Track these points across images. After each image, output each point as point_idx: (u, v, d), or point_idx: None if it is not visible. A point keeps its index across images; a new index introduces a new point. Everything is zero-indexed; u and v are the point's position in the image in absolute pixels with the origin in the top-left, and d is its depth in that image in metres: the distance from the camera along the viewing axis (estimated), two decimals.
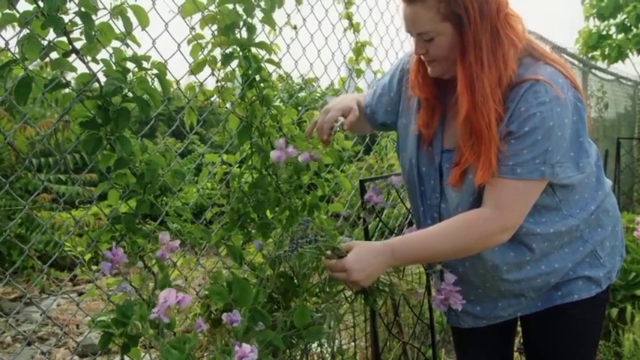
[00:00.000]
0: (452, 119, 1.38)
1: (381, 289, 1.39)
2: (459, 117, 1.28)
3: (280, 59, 1.86)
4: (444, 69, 1.33)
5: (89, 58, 1.35)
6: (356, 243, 1.30)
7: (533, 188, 1.28)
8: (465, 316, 1.51)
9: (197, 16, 1.60)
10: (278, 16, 1.75)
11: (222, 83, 1.72)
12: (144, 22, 1.41)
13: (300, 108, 2.07)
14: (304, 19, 2.04)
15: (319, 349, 2.04)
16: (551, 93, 1.22)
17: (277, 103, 2.00)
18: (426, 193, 1.45)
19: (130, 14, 1.38)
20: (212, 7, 1.61)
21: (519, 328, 1.62)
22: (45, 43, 1.27)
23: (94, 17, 1.31)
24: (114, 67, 1.36)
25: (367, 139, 2.68)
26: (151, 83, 1.42)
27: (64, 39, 1.30)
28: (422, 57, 1.35)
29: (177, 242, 1.26)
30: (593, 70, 6.23)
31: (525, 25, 1.30)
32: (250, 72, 1.67)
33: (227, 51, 1.65)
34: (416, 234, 1.36)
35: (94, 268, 3.57)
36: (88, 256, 1.63)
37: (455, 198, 1.36)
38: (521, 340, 1.64)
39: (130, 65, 1.39)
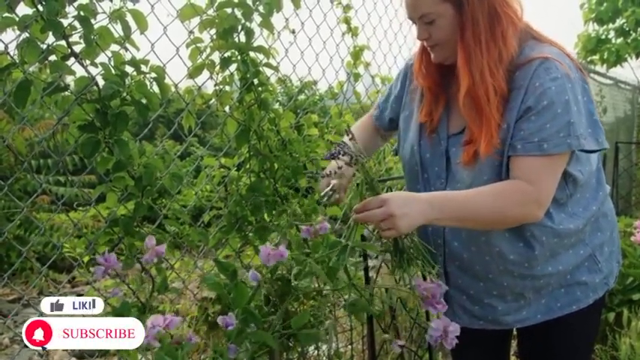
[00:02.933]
0: (456, 105, 1.39)
1: (415, 256, 1.29)
2: (460, 93, 1.30)
3: (278, 63, 1.86)
4: (446, 53, 1.35)
5: (88, 62, 1.36)
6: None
7: (560, 161, 1.30)
8: (461, 312, 1.49)
9: (196, 20, 1.61)
10: (276, 20, 1.77)
11: (221, 87, 1.73)
12: (143, 26, 1.42)
13: (298, 111, 2.08)
14: (302, 23, 2.05)
15: (316, 352, 2.05)
16: (561, 70, 1.26)
17: (276, 106, 2.00)
18: (429, 180, 1.45)
19: (129, 18, 1.39)
20: (210, 11, 1.62)
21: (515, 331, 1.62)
22: (44, 46, 1.28)
23: (93, 21, 1.32)
24: (113, 71, 1.37)
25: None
26: (149, 87, 1.43)
27: (63, 43, 1.31)
28: (425, 43, 1.38)
29: (164, 246, 1.25)
30: (592, 75, 6.23)
31: (523, 5, 1.33)
32: (248, 76, 1.68)
33: (225, 55, 1.65)
34: (455, 192, 1.34)
35: (92, 269, 3.57)
36: (86, 258, 1.63)
37: (467, 178, 1.35)
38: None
39: (129, 69, 1.40)
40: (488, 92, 1.27)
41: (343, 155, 1.22)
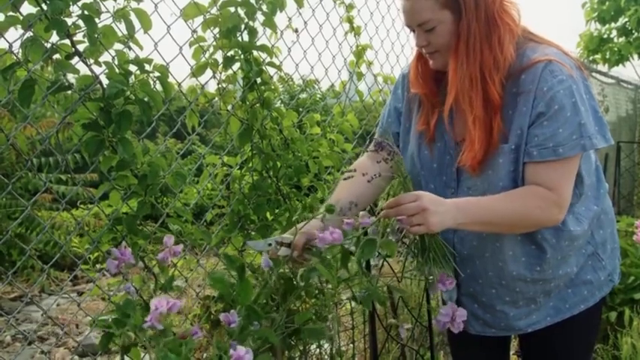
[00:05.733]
0: (458, 112, 1.39)
1: (440, 257, 1.28)
2: (447, 102, 1.31)
3: (281, 62, 1.87)
4: (446, 60, 1.34)
5: (92, 61, 1.36)
6: None
7: (575, 163, 1.31)
8: (473, 320, 1.49)
9: (199, 19, 1.61)
10: (279, 19, 1.77)
11: (224, 85, 1.73)
12: (146, 25, 1.42)
13: (300, 110, 2.08)
14: (305, 23, 2.05)
15: (318, 350, 2.05)
16: (564, 71, 1.27)
17: (278, 104, 2.01)
18: (436, 190, 1.42)
19: (133, 17, 1.39)
20: (214, 10, 1.62)
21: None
22: (48, 45, 1.28)
23: (96, 20, 1.32)
24: (116, 70, 1.37)
25: (367, 141, 2.69)
26: (152, 86, 1.43)
27: (67, 41, 1.31)
28: (423, 50, 1.37)
29: (180, 246, 1.26)
30: (594, 74, 6.23)
31: (520, 11, 1.34)
32: (251, 75, 1.68)
33: (228, 54, 1.66)
34: (478, 197, 1.34)
35: (98, 266, 3.58)
36: (94, 255, 1.64)
37: (480, 186, 1.35)
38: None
39: (133, 68, 1.40)
40: (474, 103, 1.28)
41: (382, 150, 1.22)
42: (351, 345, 2.39)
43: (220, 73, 1.70)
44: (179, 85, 1.62)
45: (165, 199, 1.62)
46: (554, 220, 1.31)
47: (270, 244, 1.32)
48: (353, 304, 2.12)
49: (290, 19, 1.96)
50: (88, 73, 1.37)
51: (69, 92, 1.38)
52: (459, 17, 1.27)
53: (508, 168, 1.31)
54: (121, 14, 1.37)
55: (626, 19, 7.79)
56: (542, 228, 1.34)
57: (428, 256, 1.27)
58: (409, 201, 1.20)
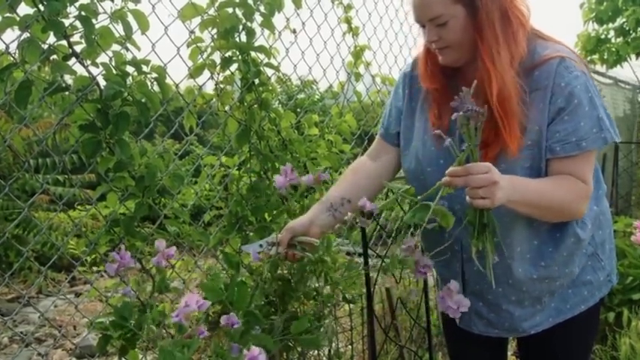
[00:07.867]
0: None
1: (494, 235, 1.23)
2: (493, 94, 1.26)
3: (279, 63, 1.86)
4: (457, 55, 1.33)
5: (89, 62, 1.36)
6: None
7: (594, 157, 1.33)
8: (477, 319, 1.48)
9: (197, 20, 1.61)
10: (277, 20, 1.77)
11: (222, 86, 1.73)
12: (144, 26, 1.42)
13: (298, 111, 2.08)
14: (303, 23, 2.05)
15: (316, 352, 2.05)
16: (577, 68, 1.28)
17: (276, 105, 2.01)
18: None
19: (130, 18, 1.39)
20: (211, 11, 1.62)
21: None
22: (45, 46, 1.28)
23: (94, 21, 1.32)
24: (114, 71, 1.37)
25: (365, 142, 2.68)
26: (150, 87, 1.43)
27: (64, 42, 1.31)
28: (433, 45, 1.35)
29: (174, 249, 1.25)
30: (592, 74, 6.22)
31: (530, 7, 1.33)
32: (249, 76, 1.68)
33: (226, 55, 1.66)
34: (525, 179, 1.30)
35: (95, 269, 3.57)
36: (91, 256, 1.63)
37: None
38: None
39: (130, 69, 1.40)
40: (511, 88, 1.26)
41: (466, 112, 1.14)
42: (350, 346, 2.38)
43: (218, 74, 1.70)
44: (177, 86, 1.61)
45: (162, 200, 1.62)
46: (582, 212, 1.32)
47: (261, 246, 1.33)
48: (351, 304, 2.12)
49: (288, 19, 1.96)
50: (86, 74, 1.37)
51: (66, 93, 1.38)
52: (472, 12, 1.26)
53: (522, 164, 1.30)
54: (118, 15, 1.36)
55: (624, 20, 7.78)
56: (547, 226, 1.34)
57: (485, 233, 1.21)
58: (480, 172, 1.15)
